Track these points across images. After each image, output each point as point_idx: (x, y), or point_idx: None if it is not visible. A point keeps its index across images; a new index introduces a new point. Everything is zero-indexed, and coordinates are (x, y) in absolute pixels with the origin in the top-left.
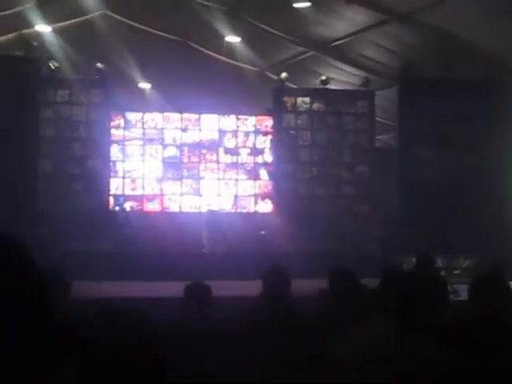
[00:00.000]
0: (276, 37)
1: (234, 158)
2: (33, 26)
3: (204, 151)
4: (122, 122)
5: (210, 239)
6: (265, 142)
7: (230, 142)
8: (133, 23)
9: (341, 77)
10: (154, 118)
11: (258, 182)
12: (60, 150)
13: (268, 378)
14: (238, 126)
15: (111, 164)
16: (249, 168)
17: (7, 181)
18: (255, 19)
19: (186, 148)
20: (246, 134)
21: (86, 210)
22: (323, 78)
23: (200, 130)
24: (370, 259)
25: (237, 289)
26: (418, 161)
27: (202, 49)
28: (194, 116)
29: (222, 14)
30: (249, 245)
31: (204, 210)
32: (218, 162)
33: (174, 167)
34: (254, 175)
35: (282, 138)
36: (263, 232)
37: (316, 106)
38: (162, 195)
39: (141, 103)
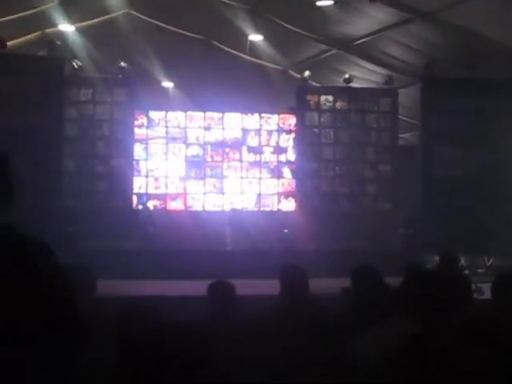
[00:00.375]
0: (299, 35)
1: (257, 157)
2: (56, 26)
3: (227, 150)
4: (145, 121)
5: (234, 238)
6: (288, 141)
7: (253, 141)
8: (156, 22)
9: (364, 75)
10: (177, 117)
11: (281, 181)
12: (84, 149)
13: (292, 378)
14: (261, 125)
15: (134, 163)
16: (272, 166)
17: (33, 180)
18: (278, 17)
19: (209, 147)
20: (269, 132)
21: (110, 209)
22: (346, 76)
23: (223, 128)
24: (392, 258)
25: (260, 287)
26: (441, 159)
27: (225, 47)
28: (217, 115)
29: (245, 13)
30: (272, 243)
31: (227, 208)
32: (241, 160)
33: (197, 166)
34: (277, 174)
35: (305, 136)
36: (286, 230)
37: (339, 104)
38: (185, 194)
39: (164, 102)
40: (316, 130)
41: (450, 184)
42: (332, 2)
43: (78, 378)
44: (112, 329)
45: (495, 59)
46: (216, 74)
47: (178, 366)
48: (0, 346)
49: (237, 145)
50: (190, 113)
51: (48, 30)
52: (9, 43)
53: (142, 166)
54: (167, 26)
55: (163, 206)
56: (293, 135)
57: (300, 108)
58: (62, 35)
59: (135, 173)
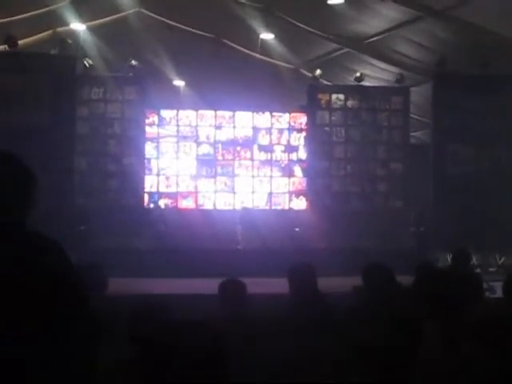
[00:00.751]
0: (310, 34)
1: (268, 155)
2: (67, 24)
3: (238, 148)
4: (156, 120)
5: (245, 236)
6: (299, 139)
7: (264, 139)
8: (167, 20)
9: (375, 73)
10: (188, 116)
11: (292, 179)
12: (95, 147)
13: (302, 377)
14: (272, 123)
15: (146, 161)
16: (283, 165)
17: (45, 178)
18: (289, 16)
19: (220, 145)
20: (280, 131)
21: (121, 207)
22: (357, 74)
23: (234, 127)
24: (404, 256)
25: (271, 285)
26: (453, 157)
27: (237, 46)
28: (228, 113)
29: (257, 11)
30: (283, 242)
31: (238, 207)
32: (252, 159)
33: (208, 164)
34: (288, 172)
35: (316, 134)
36: (297, 229)
37: (350, 102)
38: (196, 192)
39: (175, 100)
40: (327, 128)
41: (462, 182)
42: (343, 1)
43: (90, 375)
44: (124, 327)
45: (507, 56)
46: (227, 73)
47: (189, 364)
48: (13, 343)
49: (248, 143)
50: (201, 111)
51: (59, 29)
52: (20, 42)
53: (154, 164)
54: (178, 25)
55: (174, 204)
56: (304, 134)
57: (311, 106)
58: (73, 34)
59: (146, 171)
